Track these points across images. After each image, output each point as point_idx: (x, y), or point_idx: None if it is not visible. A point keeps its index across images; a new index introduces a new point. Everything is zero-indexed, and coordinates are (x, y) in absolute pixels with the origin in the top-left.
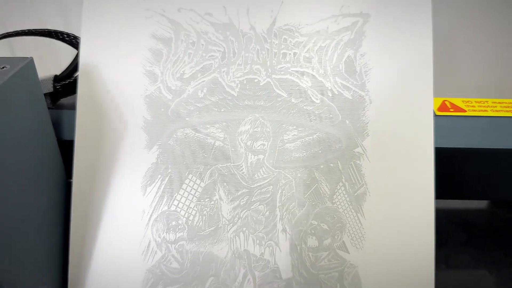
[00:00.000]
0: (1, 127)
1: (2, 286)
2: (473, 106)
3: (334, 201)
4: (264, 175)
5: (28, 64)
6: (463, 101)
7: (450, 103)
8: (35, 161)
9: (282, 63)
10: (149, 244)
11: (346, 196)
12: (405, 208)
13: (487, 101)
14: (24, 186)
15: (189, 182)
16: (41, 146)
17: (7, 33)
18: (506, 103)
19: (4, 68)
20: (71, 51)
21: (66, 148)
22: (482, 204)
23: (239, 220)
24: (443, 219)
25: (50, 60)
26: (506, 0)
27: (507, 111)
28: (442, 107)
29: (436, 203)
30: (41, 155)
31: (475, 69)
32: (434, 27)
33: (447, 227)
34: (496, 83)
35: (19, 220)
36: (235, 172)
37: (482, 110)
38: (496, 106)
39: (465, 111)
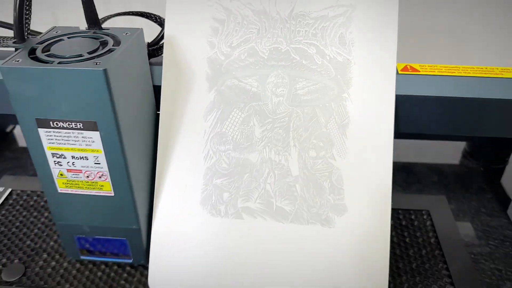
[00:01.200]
0: (128, 71)
1: (130, 179)
2: (426, 69)
3: (327, 128)
4: (283, 111)
5: (140, 32)
6: (420, 65)
7: (410, 66)
8: (143, 95)
9: (297, 37)
10: (208, 152)
11: (335, 125)
12: (372, 133)
13: (436, 66)
14: (138, 110)
15: (234, 113)
16: (145, 87)
17: (115, 14)
18: (449, 67)
19: (127, 34)
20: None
21: (155, 91)
22: (455, 160)
23: (266, 139)
24: (420, 168)
25: None
26: None
27: (449, 72)
28: (404, 69)
29: (408, 144)
30: (145, 92)
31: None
32: (444, 20)
33: (423, 172)
34: None
35: (136, 131)
36: (264, 108)
37: (431, 71)
38: (442, 69)
39: (419, 71)
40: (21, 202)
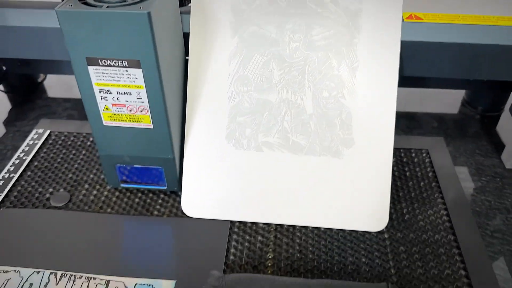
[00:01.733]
0: (165, 16)
1: (166, 109)
2: (429, 17)
3: (339, 71)
4: (299, 55)
5: None
6: (423, 14)
7: (415, 15)
8: (175, 40)
9: None
10: (232, 93)
11: (346, 68)
12: (379, 74)
13: (438, 15)
14: (172, 52)
15: (255, 58)
16: (177, 33)
17: None
18: (450, 16)
19: None
20: None
21: (184, 37)
22: (455, 108)
23: (283, 81)
24: (421, 115)
25: None
26: None
27: (450, 20)
28: (409, 17)
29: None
30: (177, 38)
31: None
32: None
33: (424, 119)
34: None
35: (171, 71)
36: (282, 53)
37: (434, 20)
38: (443, 18)
39: (422, 19)
40: (59, 142)
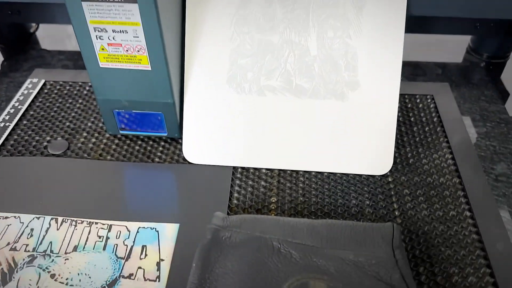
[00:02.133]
0: None
1: (167, 63)
2: None
3: (345, 9)
4: None
5: None
6: None
7: None
8: None
9: None
10: (232, 34)
11: (353, 6)
12: (386, 11)
13: None
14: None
15: None
16: None
17: None
18: None
19: None
20: None
21: None
22: (459, 55)
23: (287, 20)
24: (426, 63)
25: None
26: None
27: None
28: None
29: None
30: None
31: None
32: None
33: (428, 67)
34: None
35: (169, 9)
36: None
37: None
38: None
39: None
40: (55, 91)
